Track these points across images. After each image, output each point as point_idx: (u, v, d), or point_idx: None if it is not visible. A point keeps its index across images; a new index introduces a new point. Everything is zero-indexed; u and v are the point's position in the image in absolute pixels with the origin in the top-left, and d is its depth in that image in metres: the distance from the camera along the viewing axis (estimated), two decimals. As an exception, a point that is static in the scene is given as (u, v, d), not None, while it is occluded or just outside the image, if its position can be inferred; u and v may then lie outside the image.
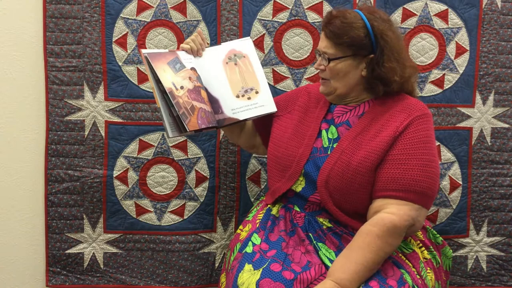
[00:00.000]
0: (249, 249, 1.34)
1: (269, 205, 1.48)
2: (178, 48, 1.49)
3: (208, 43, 1.53)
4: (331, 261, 1.26)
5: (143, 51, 1.39)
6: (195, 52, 1.49)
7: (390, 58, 1.31)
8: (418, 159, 1.26)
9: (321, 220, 1.36)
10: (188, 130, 1.37)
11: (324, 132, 1.41)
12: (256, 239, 1.37)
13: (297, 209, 1.40)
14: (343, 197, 1.31)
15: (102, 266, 1.88)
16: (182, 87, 1.40)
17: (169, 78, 1.39)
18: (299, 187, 1.39)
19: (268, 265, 1.23)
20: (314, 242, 1.31)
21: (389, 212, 1.24)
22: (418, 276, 1.27)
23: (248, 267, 1.26)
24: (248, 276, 1.21)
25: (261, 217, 1.46)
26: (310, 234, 1.33)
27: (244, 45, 1.57)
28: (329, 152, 1.35)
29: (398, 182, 1.26)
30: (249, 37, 1.60)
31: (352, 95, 1.39)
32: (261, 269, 1.21)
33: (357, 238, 1.25)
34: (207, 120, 1.42)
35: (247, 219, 1.55)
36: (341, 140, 1.35)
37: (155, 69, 1.38)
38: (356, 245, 1.24)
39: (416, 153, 1.27)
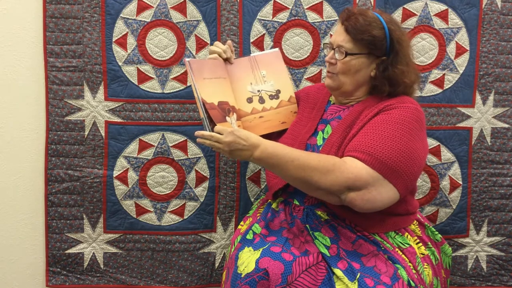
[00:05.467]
0: (249, 236, 1.37)
1: (269, 200, 1.50)
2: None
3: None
4: (327, 247, 1.28)
5: (187, 58, 1.40)
6: (226, 59, 1.51)
7: (402, 62, 1.35)
8: (381, 131, 1.25)
9: (319, 213, 1.37)
10: None
11: (320, 132, 1.43)
12: (257, 228, 1.40)
13: (297, 202, 1.42)
14: None
15: (102, 266, 1.88)
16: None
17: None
18: None
19: (268, 247, 1.25)
20: (311, 232, 1.33)
21: (344, 160, 1.24)
22: (414, 271, 1.28)
23: (247, 249, 1.29)
24: (248, 256, 1.24)
25: (261, 211, 1.49)
26: (307, 226, 1.35)
27: (272, 58, 1.58)
28: (321, 149, 1.38)
29: (355, 143, 1.26)
30: (277, 49, 1.62)
31: (356, 94, 1.41)
32: (261, 249, 1.23)
33: (310, 152, 1.29)
34: None
35: (248, 215, 1.58)
36: (331, 134, 1.37)
37: (194, 77, 1.37)
38: (304, 151, 1.28)
39: (382, 127, 1.26)
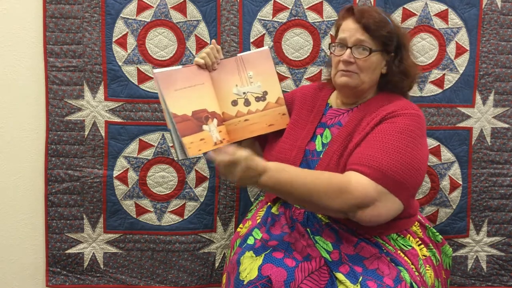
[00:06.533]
0: (250, 241, 1.36)
1: (269, 203, 1.49)
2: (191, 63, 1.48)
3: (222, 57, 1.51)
4: (328, 252, 1.27)
5: (154, 70, 1.38)
6: (210, 67, 1.46)
7: (408, 56, 1.40)
8: (385, 143, 1.24)
9: (320, 216, 1.36)
10: (188, 156, 1.37)
11: (319, 137, 1.41)
12: (257, 233, 1.38)
13: (297, 205, 1.41)
14: None
15: (102, 266, 1.88)
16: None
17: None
18: None
19: (270, 252, 1.23)
20: (312, 236, 1.32)
21: (350, 177, 1.22)
22: (416, 273, 1.27)
23: (249, 253, 1.27)
24: (250, 262, 1.22)
25: (261, 215, 1.47)
26: (308, 229, 1.34)
27: (260, 57, 1.52)
28: (321, 156, 1.36)
29: (359, 156, 1.24)
30: (267, 47, 1.55)
31: (366, 94, 1.41)
32: (263, 255, 1.21)
33: (315, 171, 1.27)
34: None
35: (246, 217, 1.56)
36: (332, 142, 1.35)
37: (163, 90, 1.36)
38: (310, 173, 1.23)
39: (386, 138, 1.25)
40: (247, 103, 1.49)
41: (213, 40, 1.51)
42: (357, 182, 1.19)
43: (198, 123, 1.39)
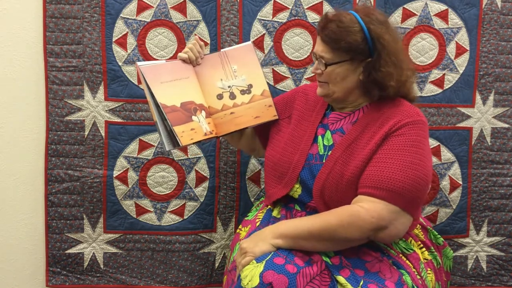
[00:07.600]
0: None
1: (269, 206, 1.48)
2: (176, 57, 1.49)
3: (207, 52, 1.51)
4: (329, 257, 1.26)
5: (138, 63, 1.38)
6: (194, 62, 1.47)
7: (387, 62, 1.29)
8: (397, 160, 1.23)
9: None
10: (181, 145, 1.37)
11: (320, 138, 1.40)
12: None
13: (298, 208, 1.41)
14: (339, 206, 1.30)
15: (102, 266, 1.88)
16: None
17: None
18: (295, 194, 1.39)
19: (271, 258, 1.21)
20: None
21: (359, 205, 1.23)
22: (418, 277, 1.27)
23: None
24: (251, 269, 1.20)
25: (261, 217, 1.46)
26: None
27: (244, 51, 1.53)
28: (324, 161, 1.35)
29: (372, 178, 1.24)
30: (250, 42, 1.55)
31: (349, 99, 1.38)
32: (264, 261, 1.20)
33: (321, 213, 1.28)
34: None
35: (247, 218, 1.55)
36: (334, 149, 1.34)
37: (149, 83, 1.36)
38: (315, 215, 1.27)
39: (398, 154, 1.24)
40: (232, 96, 1.51)
41: (196, 36, 1.52)
42: (369, 207, 1.21)
43: (187, 114, 1.40)
